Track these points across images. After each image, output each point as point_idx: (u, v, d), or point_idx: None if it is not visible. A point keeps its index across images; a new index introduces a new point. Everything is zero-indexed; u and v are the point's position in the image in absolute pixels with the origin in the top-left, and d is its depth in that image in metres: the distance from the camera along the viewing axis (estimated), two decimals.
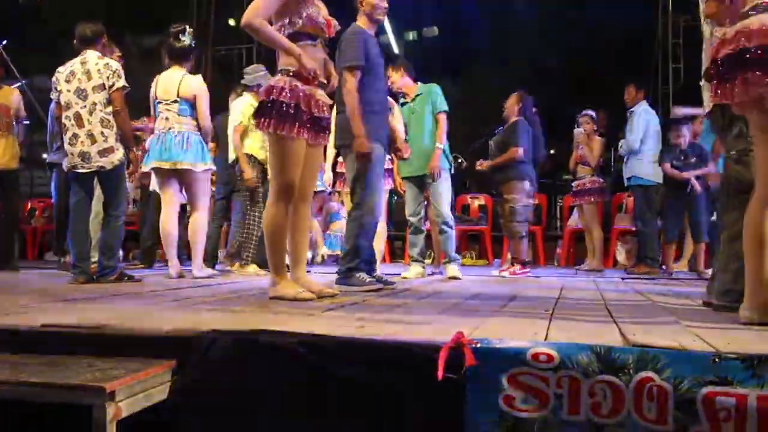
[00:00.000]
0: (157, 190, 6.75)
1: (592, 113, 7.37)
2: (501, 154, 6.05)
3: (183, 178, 5.04)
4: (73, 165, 4.52)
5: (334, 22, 3.44)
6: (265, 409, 1.92)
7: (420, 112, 5.57)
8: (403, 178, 5.70)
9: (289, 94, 3.21)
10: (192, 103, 5.01)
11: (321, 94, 3.39)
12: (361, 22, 4.27)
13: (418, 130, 5.53)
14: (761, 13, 2.30)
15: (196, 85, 5.04)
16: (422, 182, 5.63)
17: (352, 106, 4.01)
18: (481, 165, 6.37)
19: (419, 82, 5.72)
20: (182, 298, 3.32)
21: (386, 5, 4.30)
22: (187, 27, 5.11)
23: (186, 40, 5.05)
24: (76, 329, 2.14)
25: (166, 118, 5.00)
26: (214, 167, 5.22)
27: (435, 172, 5.42)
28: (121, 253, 5.44)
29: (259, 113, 3.28)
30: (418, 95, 5.63)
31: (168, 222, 5.13)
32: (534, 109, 6.33)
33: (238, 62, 11.91)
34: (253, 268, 5.71)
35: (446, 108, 5.58)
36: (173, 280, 4.89)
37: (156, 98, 5.07)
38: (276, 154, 3.31)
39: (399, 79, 5.64)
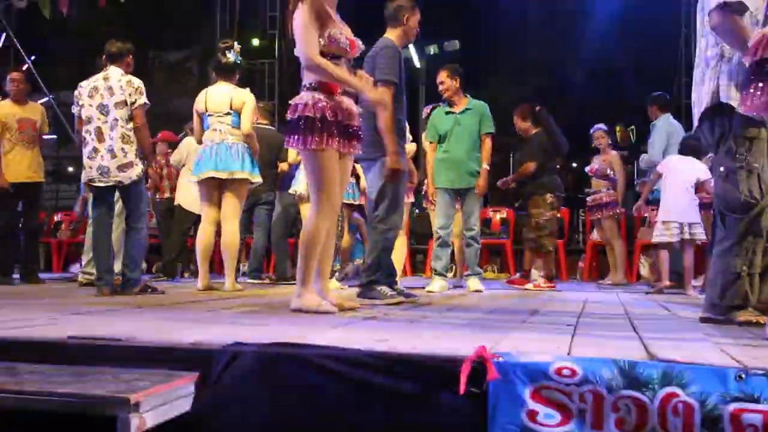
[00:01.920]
0: (182, 204, 6.87)
1: (605, 127, 7.34)
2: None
3: (232, 187, 5.08)
4: (90, 178, 4.59)
5: (358, 42, 3.47)
6: (287, 422, 1.93)
7: (466, 126, 5.63)
8: (437, 188, 5.69)
9: (312, 108, 3.25)
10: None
11: (348, 102, 3.41)
12: (394, 36, 4.29)
13: (460, 143, 5.57)
14: None
15: (246, 98, 5.17)
16: (456, 195, 5.65)
17: (387, 121, 4.01)
18: (502, 183, 6.44)
19: (469, 96, 5.75)
20: (205, 311, 3.34)
21: (418, 28, 4.37)
22: (235, 44, 5.24)
23: (231, 57, 5.17)
24: (101, 341, 2.17)
25: (219, 131, 5.07)
26: (261, 180, 5.30)
27: (481, 192, 5.60)
28: (144, 265, 5.50)
29: (287, 132, 3.32)
30: (467, 109, 5.66)
31: (207, 235, 5.18)
32: (538, 108, 6.33)
33: (261, 77, 12.05)
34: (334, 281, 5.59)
35: (494, 130, 5.70)
36: (197, 292, 4.93)
37: (206, 111, 5.13)
38: (313, 169, 3.34)
39: (453, 87, 5.66)
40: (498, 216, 9.26)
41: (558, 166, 6.45)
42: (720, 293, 2.93)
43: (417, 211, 8.93)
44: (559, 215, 8.05)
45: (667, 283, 5.63)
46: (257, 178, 5.15)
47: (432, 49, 12.49)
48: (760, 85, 2.30)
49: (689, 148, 5.63)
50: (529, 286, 6.01)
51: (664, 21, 10.92)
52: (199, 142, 5.22)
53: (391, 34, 4.30)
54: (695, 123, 3.12)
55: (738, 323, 2.83)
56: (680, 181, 5.45)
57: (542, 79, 12.13)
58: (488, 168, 5.66)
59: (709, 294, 3.03)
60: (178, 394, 1.88)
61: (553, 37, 12.50)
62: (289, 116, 3.34)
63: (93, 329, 2.40)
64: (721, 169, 2.95)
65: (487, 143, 5.66)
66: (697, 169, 5.47)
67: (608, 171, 7.21)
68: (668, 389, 1.69)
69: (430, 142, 5.73)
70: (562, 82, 11.87)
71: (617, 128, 9.01)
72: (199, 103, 5.19)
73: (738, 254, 2.87)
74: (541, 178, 6.02)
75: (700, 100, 3.04)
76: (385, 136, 4.01)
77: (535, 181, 6.03)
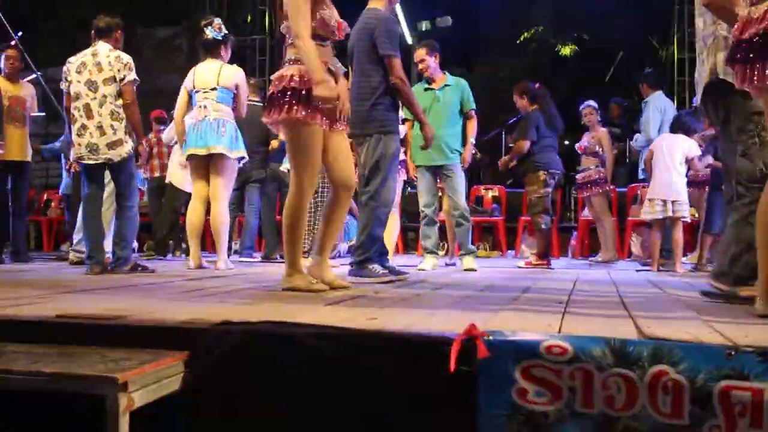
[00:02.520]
0: (173, 182, 6.83)
1: (594, 104, 7.32)
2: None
3: (214, 164, 5.05)
4: (79, 156, 4.55)
5: (345, 24, 3.45)
6: (276, 400, 1.92)
7: (445, 102, 5.59)
8: (417, 166, 5.67)
9: (298, 80, 3.22)
10: (231, 91, 5.10)
11: (330, 80, 3.39)
12: (381, 6, 4.24)
13: (439, 119, 5.49)
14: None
15: (236, 75, 5.15)
16: (437, 172, 5.61)
17: (408, 94, 4.21)
18: (502, 164, 6.47)
19: (447, 73, 5.72)
20: (195, 289, 3.33)
21: None
22: (215, 20, 5.18)
23: (210, 33, 5.12)
24: (89, 320, 2.15)
25: (204, 107, 5.04)
26: (247, 156, 5.26)
27: (465, 162, 5.61)
28: (135, 243, 5.45)
29: (270, 104, 3.28)
30: (447, 85, 5.63)
31: (196, 213, 5.16)
32: (536, 85, 6.35)
33: (252, 53, 11.94)
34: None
35: (475, 106, 5.70)
36: (187, 271, 4.91)
37: (194, 88, 5.11)
38: (295, 144, 3.32)
39: (433, 64, 5.62)
40: (490, 194, 9.25)
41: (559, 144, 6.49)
42: (730, 262, 2.92)
43: (410, 189, 8.91)
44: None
45: (658, 265, 5.67)
46: (237, 153, 5.09)
47: (424, 25, 12.37)
48: (746, 66, 2.27)
49: (680, 125, 5.63)
50: (521, 263, 6.03)
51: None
52: (180, 119, 5.19)
53: (378, 4, 4.24)
54: (696, 100, 3.13)
55: (741, 298, 2.80)
56: (667, 159, 5.48)
57: (535, 58, 12.06)
58: (474, 142, 5.70)
59: (719, 261, 3.01)
60: (166, 373, 1.87)
61: (547, 13, 12.41)
62: (273, 89, 3.29)
63: (82, 308, 2.39)
64: (739, 147, 2.96)
65: (473, 119, 5.67)
66: (684, 146, 5.48)
67: (597, 148, 7.19)
68: (658, 367, 1.69)
69: (408, 120, 5.67)
70: (554, 60, 11.80)
71: (612, 105, 8.98)
72: (188, 80, 5.18)
73: (753, 222, 2.86)
74: (535, 156, 6.04)
75: (701, 78, 3.03)
76: (412, 107, 4.34)
77: (530, 158, 6.05)
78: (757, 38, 2.25)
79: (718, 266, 3.01)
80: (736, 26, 2.39)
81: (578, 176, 7.39)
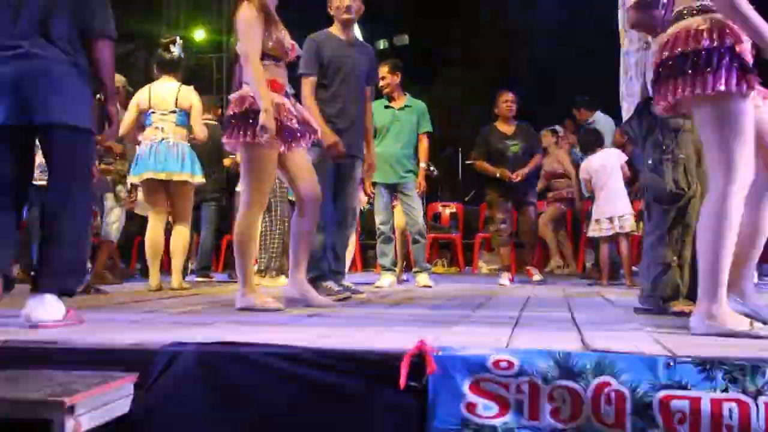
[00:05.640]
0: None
1: (555, 128, 7.46)
2: (526, 162, 5.96)
3: (174, 189, 4.97)
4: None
5: (296, 46, 3.52)
6: (228, 421, 1.92)
7: (403, 123, 5.67)
8: (374, 183, 5.68)
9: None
10: (188, 113, 5.01)
11: (289, 104, 3.42)
12: (333, 26, 4.36)
13: (396, 139, 5.59)
14: (682, 20, 2.33)
15: (192, 95, 5.06)
16: (393, 190, 5.66)
17: (311, 109, 4.02)
18: (518, 175, 5.93)
19: (407, 94, 5.81)
20: (148, 310, 3.30)
21: (348, 4, 4.25)
22: (178, 38, 5.12)
23: (176, 51, 5.05)
24: (36, 343, 2.12)
25: (162, 129, 4.93)
26: (203, 180, 5.21)
27: (422, 190, 5.68)
28: (89, 265, 5.32)
29: (231, 127, 3.27)
30: (406, 106, 5.72)
31: (156, 234, 5.07)
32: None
33: (209, 72, 11.91)
34: (283, 278, 5.49)
35: (431, 129, 5.79)
36: (139, 292, 4.84)
37: (149, 108, 4.99)
38: (250, 165, 3.32)
39: (394, 83, 5.69)
40: (447, 211, 9.33)
41: None
42: (652, 285, 3.01)
43: (369, 206, 8.93)
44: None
45: (609, 279, 5.82)
46: (198, 179, 5.04)
47: (382, 44, 12.49)
48: (669, 86, 2.34)
49: (592, 142, 5.92)
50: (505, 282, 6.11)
51: (607, 15, 11.18)
52: (121, 137, 5.03)
53: (333, 26, 4.37)
54: (624, 116, 3.21)
55: (672, 313, 2.91)
56: (603, 179, 5.67)
57: (490, 75, 12.26)
58: (425, 167, 5.78)
59: (643, 284, 3.11)
60: (116, 396, 1.85)
61: (501, 32, 12.64)
62: (233, 110, 3.28)
63: (29, 332, 2.35)
64: (650, 161, 3.04)
65: (425, 142, 5.75)
66: (614, 157, 5.70)
67: (560, 170, 7.35)
68: (601, 378, 1.74)
69: None
70: (507, 79, 12.03)
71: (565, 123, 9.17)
72: (143, 99, 5.05)
73: (667, 244, 2.95)
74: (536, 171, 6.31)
75: (629, 94, 3.13)
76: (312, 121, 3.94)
77: (535, 173, 6.25)
78: (662, 62, 2.34)
79: (643, 290, 3.10)
80: (655, 54, 2.47)
81: (550, 194, 7.54)
